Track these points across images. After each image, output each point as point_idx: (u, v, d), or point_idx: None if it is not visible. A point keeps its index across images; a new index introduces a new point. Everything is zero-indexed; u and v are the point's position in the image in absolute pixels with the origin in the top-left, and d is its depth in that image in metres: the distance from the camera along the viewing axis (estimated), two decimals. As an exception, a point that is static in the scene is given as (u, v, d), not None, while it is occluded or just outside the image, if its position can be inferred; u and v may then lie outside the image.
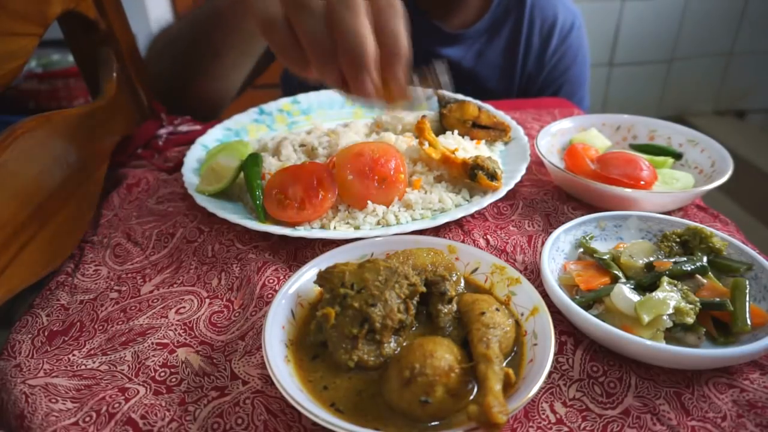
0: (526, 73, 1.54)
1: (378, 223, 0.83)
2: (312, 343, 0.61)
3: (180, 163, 1.00)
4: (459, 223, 0.87)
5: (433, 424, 0.51)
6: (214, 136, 1.11)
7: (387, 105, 0.72)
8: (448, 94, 1.18)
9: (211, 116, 1.30)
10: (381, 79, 0.68)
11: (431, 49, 1.48)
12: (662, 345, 0.57)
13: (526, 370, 0.55)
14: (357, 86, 0.67)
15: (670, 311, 0.60)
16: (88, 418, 0.56)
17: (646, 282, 0.66)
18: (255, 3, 0.68)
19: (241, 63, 1.25)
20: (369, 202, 0.84)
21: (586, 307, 0.65)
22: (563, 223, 0.76)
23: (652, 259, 0.70)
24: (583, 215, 0.78)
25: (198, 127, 1.19)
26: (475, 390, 0.53)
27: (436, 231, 0.84)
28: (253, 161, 0.92)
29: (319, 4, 0.65)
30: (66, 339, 0.67)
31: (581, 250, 0.75)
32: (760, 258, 0.68)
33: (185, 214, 0.91)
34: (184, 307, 0.72)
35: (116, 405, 0.57)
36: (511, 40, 1.50)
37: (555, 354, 0.60)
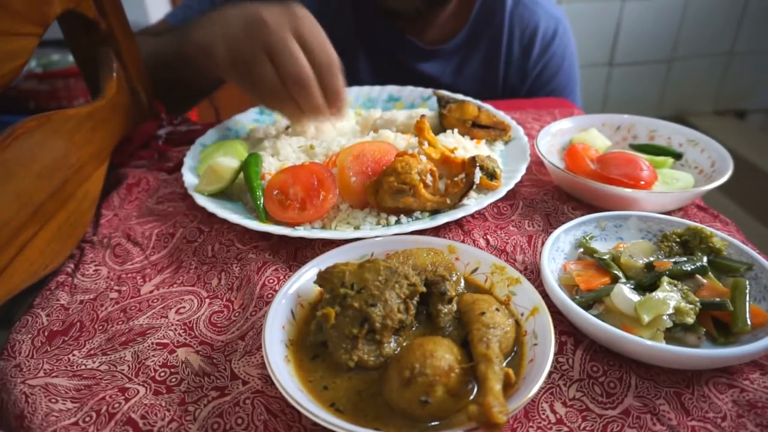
0: (509, 84, 1.50)
1: (378, 223, 0.83)
2: (312, 343, 0.61)
3: (180, 163, 1.00)
4: (459, 223, 0.87)
5: (433, 424, 0.51)
6: (214, 136, 1.11)
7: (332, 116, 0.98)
8: (447, 93, 1.18)
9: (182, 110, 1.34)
10: (324, 91, 0.93)
11: (408, 66, 1.46)
12: (662, 345, 0.57)
13: (526, 370, 0.55)
14: (309, 105, 0.93)
15: (670, 311, 0.60)
16: (88, 418, 0.56)
17: (646, 282, 0.66)
18: (221, 58, 0.94)
19: (202, 90, 1.34)
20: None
21: (586, 307, 0.65)
22: (563, 223, 0.76)
23: (652, 259, 0.70)
24: (583, 215, 0.78)
25: (198, 127, 1.19)
26: (475, 390, 0.53)
27: (436, 231, 0.84)
28: (253, 161, 0.92)
29: (282, 91, 0.91)
30: (66, 339, 0.67)
31: (581, 250, 0.75)
32: (760, 258, 0.68)
33: (185, 214, 0.91)
34: (184, 307, 0.72)
35: (116, 405, 0.57)
36: (490, 52, 1.46)
37: (555, 354, 0.60)
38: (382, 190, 0.81)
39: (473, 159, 0.84)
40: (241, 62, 0.93)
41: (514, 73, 1.49)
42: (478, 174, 0.84)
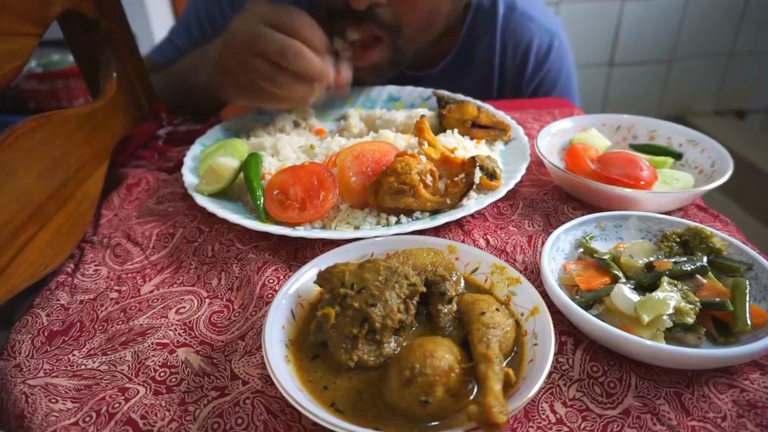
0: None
1: (378, 223, 0.83)
2: (312, 343, 0.61)
3: (180, 163, 1.00)
4: (459, 223, 0.87)
5: (433, 424, 0.51)
6: (214, 136, 1.11)
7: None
8: (447, 93, 1.18)
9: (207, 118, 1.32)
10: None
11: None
12: (662, 345, 0.57)
13: (526, 370, 0.55)
14: (310, 69, 0.92)
15: (670, 311, 0.60)
16: (88, 418, 0.56)
17: (646, 282, 0.66)
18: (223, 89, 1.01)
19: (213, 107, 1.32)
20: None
21: (586, 307, 0.65)
22: (563, 223, 0.76)
23: (652, 259, 0.70)
24: (583, 215, 0.78)
25: (198, 127, 1.19)
26: (475, 390, 0.53)
27: (436, 231, 0.84)
28: (253, 161, 0.92)
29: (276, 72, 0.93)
30: (66, 339, 0.67)
31: (581, 250, 0.75)
32: (760, 258, 0.68)
33: (185, 214, 0.91)
34: (184, 307, 0.72)
35: (116, 405, 0.57)
36: (483, 71, 1.40)
37: (555, 354, 0.60)
38: (382, 191, 0.81)
39: (473, 159, 0.84)
40: (235, 77, 0.96)
41: (508, 91, 1.44)
42: (477, 174, 0.84)
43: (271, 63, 0.92)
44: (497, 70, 1.41)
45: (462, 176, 0.84)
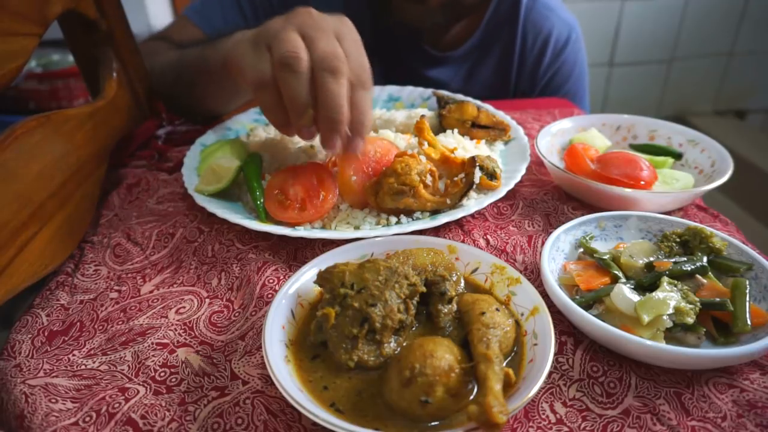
0: (519, 90, 1.49)
1: (378, 223, 0.83)
2: (312, 343, 0.61)
3: (180, 163, 1.00)
4: (459, 223, 0.87)
5: (433, 424, 0.51)
6: (214, 136, 1.11)
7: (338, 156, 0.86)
8: (447, 93, 1.18)
9: (210, 120, 1.29)
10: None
11: (418, 72, 1.45)
12: (662, 345, 0.57)
13: (526, 370, 0.55)
14: (328, 143, 0.78)
15: (670, 311, 0.60)
16: (88, 418, 0.56)
17: (646, 282, 0.66)
18: (247, 67, 0.78)
19: (229, 103, 1.20)
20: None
21: (586, 307, 0.65)
22: (563, 223, 0.76)
23: (652, 259, 0.70)
24: (583, 215, 0.78)
25: (198, 127, 1.19)
26: (475, 390, 0.53)
27: (436, 231, 0.84)
28: (253, 161, 0.92)
29: (305, 68, 0.74)
30: (66, 339, 0.67)
31: (581, 250, 0.75)
32: (760, 258, 0.68)
33: (185, 214, 0.91)
34: (184, 307, 0.72)
35: (116, 405, 0.57)
36: (503, 57, 1.44)
37: (555, 354, 0.60)
38: (382, 192, 0.81)
39: (473, 159, 0.84)
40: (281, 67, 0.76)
41: (525, 79, 1.47)
42: (477, 174, 0.84)
43: (274, 66, 0.76)
44: (517, 57, 1.44)
45: (462, 176, 0.84)
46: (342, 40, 0.77)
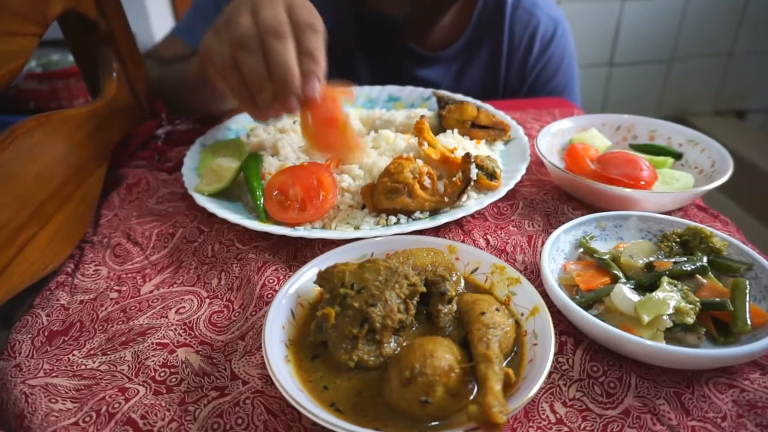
0: (509, 87, 1.51)
1: (378, 223, 0.83)
2: (312, 343, 0.61)
3: (180, 163, 1.00)
4: (459, 223, 0.87)
5: (433, 424, 0.51)
6: (214, 136, 1.11)
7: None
8: (447, 94, 1.18)
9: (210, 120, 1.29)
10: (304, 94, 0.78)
11: (408, 72, 1.46)
12: (662, 345, 0.57)
13: (526, 370, 0.55)
14: (283, 105, 0.78)
15: (670, 311, 0.60)
16: (88, 418, 0.56)
17: (646, 282, 0.66)
18: (212, 55, 0.80)
19: (216, 105, 1.20)
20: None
21: (586, 307, 0.65)
22: (563, 223, 0.76)
23: (652, 259, 0.70)
24: (583, 215, 0.78)
25: (198, 127, 1.19)
26: (475, 390, 0.53)
27: (436, 231, 0.84)
28: (253, 161, 0.92)
29: (256, 44, 0.76)
30: (66, 339, 0.67)
31: (581, 250, 0.75)
32: (760, 258, 0.68)
33: (185, 214, 0.91)
34: (184, 307, 0.72)
35: (116, 405, 0.57)
36: (492, 56, 1.47)
37: (555, 354, 0.60)
38: (377, 192, 0.82)
39: (467, 155, 0.84)
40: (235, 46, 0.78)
41: (514, 75, 1.50)
42: (474, 170, 0.83)
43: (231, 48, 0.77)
44: (505, 54, 1.47)
45: (459, 175, 0.84)
46: (291, 6, 0.79)
